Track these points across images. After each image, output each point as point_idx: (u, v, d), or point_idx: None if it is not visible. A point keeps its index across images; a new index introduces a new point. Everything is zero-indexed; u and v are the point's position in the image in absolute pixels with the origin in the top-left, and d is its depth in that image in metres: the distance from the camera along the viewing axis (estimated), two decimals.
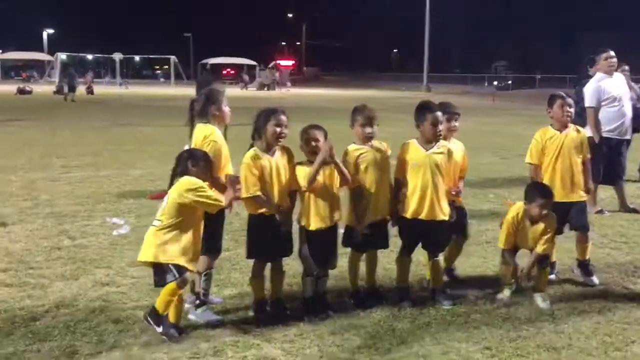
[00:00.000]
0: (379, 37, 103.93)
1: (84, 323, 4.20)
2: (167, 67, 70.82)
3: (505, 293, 4.65)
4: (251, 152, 4.25)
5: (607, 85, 7.63)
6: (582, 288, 4.99)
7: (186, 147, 4.50)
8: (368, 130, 4.49)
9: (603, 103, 7.53)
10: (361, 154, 4.49)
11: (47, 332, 4.05)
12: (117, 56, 58.95)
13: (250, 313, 4.37)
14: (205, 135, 4.30)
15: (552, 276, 5.06)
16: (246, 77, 45.76)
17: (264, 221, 4.23)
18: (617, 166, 7.70)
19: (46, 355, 3.73)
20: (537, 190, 4.69)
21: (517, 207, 4.74)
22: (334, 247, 4.50)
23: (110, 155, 12.38)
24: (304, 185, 4.23)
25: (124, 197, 8.29)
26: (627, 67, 8.55)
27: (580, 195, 5.14)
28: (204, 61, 68.19)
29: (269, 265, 4.43)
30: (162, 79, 62.35)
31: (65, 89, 31.78)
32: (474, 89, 52.20)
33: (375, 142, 4.56)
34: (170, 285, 3.92)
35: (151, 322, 3.95)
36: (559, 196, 4.83)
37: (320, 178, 4.25)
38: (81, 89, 34.85)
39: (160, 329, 3.93)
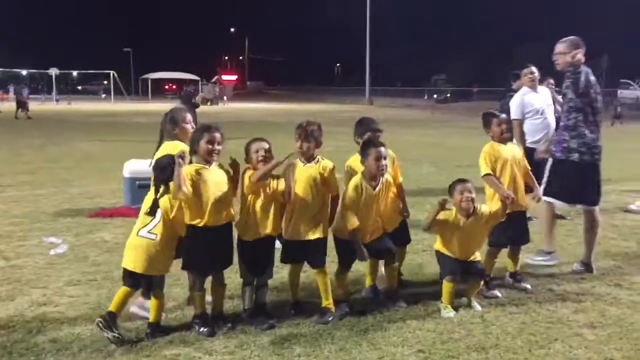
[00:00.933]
0: (322, 51, 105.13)
1: (21, 343, 4.15)
2: (106, 82, 69.41)
3: (449, 310, 4.73)
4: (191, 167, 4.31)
5: (531, 98, 8.04)
6: (511, 292, 5.24)
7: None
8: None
9: (527, 115, 7.91)
10: None
11: None
12: (53, 71, 57.48)
13: (193, 327, 4.40)
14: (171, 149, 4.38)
15: (496, 292, 5.14)
16: (189, 91, 45.21)
17: (200, 232, 4.29)
18: (543, 176, 8.10)
19: None
20: (454, 181, 4.94)
21: (448, 213, 4.89)
22: (269, 257, 4.61)
23: (47, 173, 12.10)
24: (247, 185, 4.34)
25: (61, 216, 8.15)
26: (552, 81, 9.00)
27: (521, 206, 5.35)
28: (145, 76, 67.27)
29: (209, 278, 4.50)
30: (103, 95, 60.91)
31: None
32: (415, 101, 53.39)
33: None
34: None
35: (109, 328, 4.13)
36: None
37: (266, 189, 4.39)
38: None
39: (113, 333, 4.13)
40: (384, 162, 4.65)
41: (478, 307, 4.81)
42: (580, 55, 5.85)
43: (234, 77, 76.81)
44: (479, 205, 4.87)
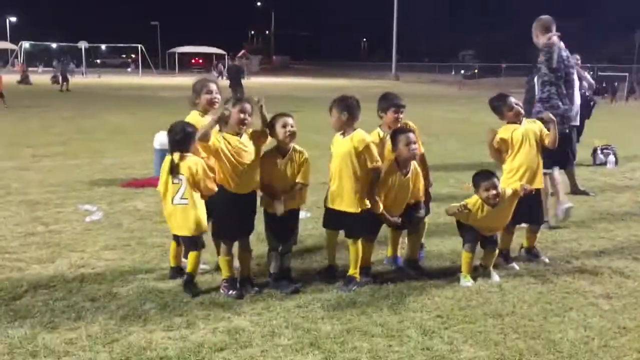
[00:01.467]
0: (348, 26, 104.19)
1: (62, 301, 4.43)
2: (134, 55, 69.91)
3: (469, 279, 4.87)
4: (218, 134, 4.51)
5: None
6: (529, 265, 5.36)
7: None
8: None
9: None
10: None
11: (28, 310, 4.27)
12: (83, 44, 58.12)
13: (221, 291, 4.64)
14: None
15: (514, 265, 5.26)
16: (221, 67, 44.93)
17: (228, 200, 4.53)
18: (568, 151, 8.13)
19: (28, 330, 3.95)
20: (479, 176, 5.02)
21: (475, 200, 4.97)
22: (294, 226, 4.83)
23: (79, 144, 12.45)
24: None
25: (95, 185, 8.46)
26: (578, 57, 8.98)
27: (538, 184, 5.41)
28: (172, 50, 67.61)
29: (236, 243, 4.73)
30: (130, 69, 61.47)
31: (60, 79, 31.60)
32: (442, 77, 52.92)
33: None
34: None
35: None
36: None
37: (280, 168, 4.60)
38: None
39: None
40: (414, 146, 4.80)
41: (496, 278, 4.96)
42: (553, 35, 6.54)
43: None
44: (502, 190, 4.95)
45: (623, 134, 13.86)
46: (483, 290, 4.74)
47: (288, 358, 3.66)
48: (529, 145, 5.31)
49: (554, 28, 6.63)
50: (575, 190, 8.27)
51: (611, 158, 10.61)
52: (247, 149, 4.54)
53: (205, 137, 4.36)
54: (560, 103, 6.48)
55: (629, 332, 4.01)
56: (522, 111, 5.43)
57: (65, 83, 31.13)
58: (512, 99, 5.40)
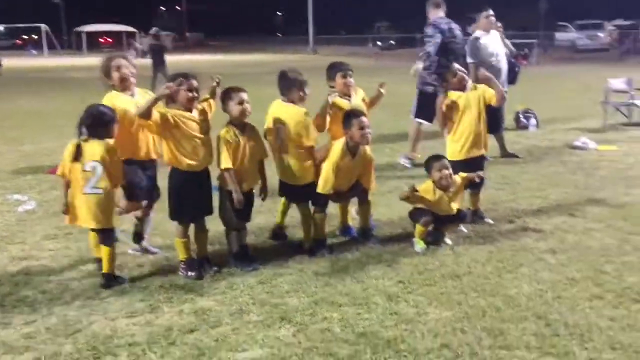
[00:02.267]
0: (261, 0, 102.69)
1: (10, 296, 4.21)
2: (36, 36, 65.98)
3: (422, 245, 4.99)
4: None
5: (485, 41, 8.32)
6: (475, 226, 5.56)
7: None
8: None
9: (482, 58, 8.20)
10: None
11: None
12: None
13: (180, 273, 4.54)
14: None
15: (462, 228, 5.40)
16: (138, 45, 42.02)
17: (185, 180, 4.42)
18: (497, 116, 8.46)
19: None
20: (431, 158, 5.20)
21: (427, 185, 5.11)
22: (251, 203, 4.79)
23: None
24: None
25: (20, 174, 8.01)
26: (500, 25, 9.28)
27: (481, 150, 5.64)
28: (79, 29, 64.34)
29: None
30: (33, 51, 57.82)
31: None
32: (359, 50, 53.23)
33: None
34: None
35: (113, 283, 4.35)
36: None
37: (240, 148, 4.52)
38: None
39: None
40: (367, 130, 4.85)
41: (448, 241, 5.12)
42: (440, 12, 7.92)
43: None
44: (453, 177, 5.10)
45: (540, 97, 14.52)
46: (437, 254, 4.90)
47: (261, 334, 3.65)
48: (470, 111, 5.47)
49: (443, 6, 7.96)
50: (504, 153, 8.62)
51: (532, 121, 11.12)
52: (199, 123, 4.43)
53: (146, 115, 4.22)
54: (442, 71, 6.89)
55: (577, 283, 4.26)
56: (467, 77, 5.57)
57: None
58: (456, 65, 5.54)
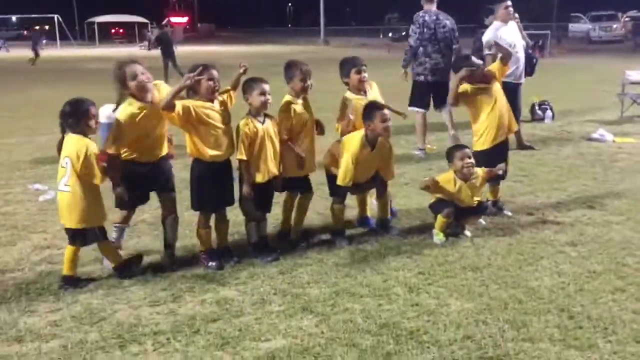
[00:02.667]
0: None
1: (35, 284, 4.26)
2: (47, 27, 66.15)
3: (441, 237, 4.99)
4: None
5: (503, 32, 8.24)
6: (494, 218, 5.54)
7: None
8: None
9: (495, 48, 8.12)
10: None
11: (0, 295, 4.08)
12: None
13: (201, 263, 4.57)
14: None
15: (481, 220, 5.38)
16: (150, 35, 41.46)
17: (207, 171, 4.43)
18: (514, 108, 8.40)
19: (6, 315, 3.78)
20: (453, 148, 5.20)
21: (448, 175, 5.10)
22: (271, 194, 4.81)
23: (9, 122, 11.78)
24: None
25: (39, 163, 8.08)
26: (517, 16, 9.20)
27: (505, 137, 5.63)
28: (91, 19, 64.48)
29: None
30: (44, 41, 57.88)
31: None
32: (370, 41, 53.05)
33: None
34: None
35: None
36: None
37: (268, 133, 4.54)
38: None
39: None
40: (389, 123, 4.84)
41: (468, 233, 5.11)
42: (425, 4, 8.34)
43: (184, 19, 74.53)
44: (475, 169, 5.08)
45: (555, 89, 14.41)
46: (457, 245, 4.90)
47: (284, 324, 3.67)
48: (493, 103, 5.44)
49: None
50: (521, 145, 8.58)
51: (548, 113, 11.04)
52: (220, 114, 4.43)
53: (169, 106, 4.19)
54: (427, 59, 8.26)
55: (599, 276, 4.25)
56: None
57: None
58: (476, 59, 5.50)
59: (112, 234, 4.56)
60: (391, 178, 5.24)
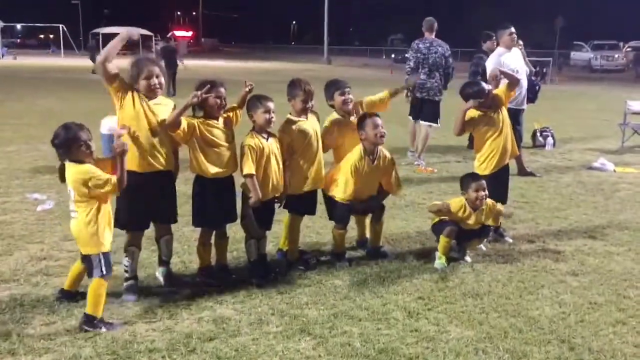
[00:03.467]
0: (277, 8, 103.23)
1: (29, 296, 4.21)
2: (52, 36, 66.54)
3: (443, 261, 4.95)
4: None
5: (507, 59, 8.27)
6: (494, 244, 5.52)
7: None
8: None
9: (501, 75, 8.15)
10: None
11: None
12: None
13: (197, 279, 4.53)
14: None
15: (482, 246, 5.36)
16: (156, 48, 41.22)
17: (209, 187, 4.39)
18: (516, 134, 8.41)
19: (0, 327, 3.72)
20: (469, 177, 5.15)
21: (458, 202, 5.06)
22: (272, 211, 4.78)
23: (12, 129, 11.76)
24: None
25: (39, 173, 8.05)
26: (521, 42, 9.26)
27: (506, 163, 5.63)
28: (96, 30, 64.81)
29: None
30: (52, 50, 57.96)
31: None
32: (373, 61, 53.43)
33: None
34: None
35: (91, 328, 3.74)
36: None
37: (270, 150, 4.52)
38: None
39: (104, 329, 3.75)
40: (381, 130, 4.83)
41: (468, 259, 5.08)
42: (425, 32, 9.54)
43: (189, 34, 74.99)
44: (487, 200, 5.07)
45: (556, 116, 14.46)
46: (457, 271, 4.86)
47: (281, 345, 3.62)
48: (497, 129, 5.44)
49: (433, 28, 9.54)
50: (523, 171, 8.57)
51: (549, 140, 11.07)
52: (224, 132, 4.42)
53: (175, 124, 4.16)
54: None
55: (600, 307, 4.21)
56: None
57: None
58: (485, 85, 5.51)
59: (124, 261, 4.39)
60: (397, 191, 5.21)
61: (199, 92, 4.22)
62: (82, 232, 3.80)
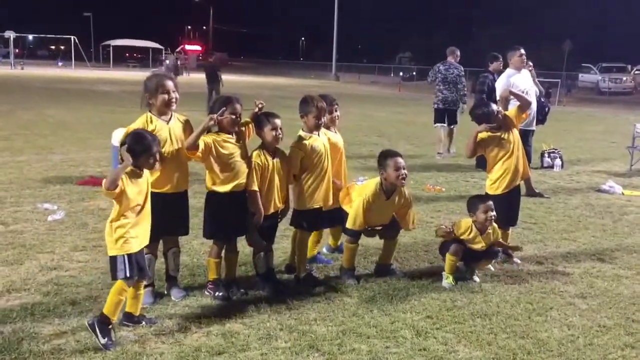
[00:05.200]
0: (287, 24, 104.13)
1: (40, 305, 4.23)
2: (63, 47, 67.18)
3: (450, 280, 4.96)
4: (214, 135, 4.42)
5: (516, 80, 8.35)
6: (503, 265, 5.52)
7: None
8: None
9: (512, 97, 8.21)
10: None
11: (5, 315, 4.06)
12: (10, 34, 55.32)
13: (206, 292, 4.55)
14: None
15: (490, 266, 5.37)
16: (168, 62, 41.25)
17: (225, 201, 4.43)
18: (525, 155, 8.43)
19: (11, 337, 3.75)
20: (477, 198, 5.18)
21: (465, 224, 5.05)
22: (275, 226, 4.83)
23: (23, 140, 11.86)
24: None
25: (50, 183, 8.11)
26: (531, 63, 9.31)
27: (517, 184, 5.68)
28: (107, 42, 65.46)
29: None
30: (60, 63, 58.33)
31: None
32: (381, 78, 53.66)
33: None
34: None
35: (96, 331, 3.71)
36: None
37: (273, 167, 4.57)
38: None
39: (103, 340, 3.69)
40: (403, 172, 4.81)
41: (476, 279, 5.08)
42: (448, 56, 12.04)
43: (199, 48, 75.58)
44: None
45: (564, 138, 14.49)
46: (465, 290, 4.86)
47: None
48: (508, 150, 5.47)
49: (454, 53, 12.07)
50: (531, 192, 8.57)
51: (557, 162, 11.07)
52: (239, 146, 4.48)
53: (194, 147, 4.24)
54: (440, 94, 11.93)
55: (609, 330, 4.20)
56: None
57: None
58: (494, 106, 5.54)
59: None
60: (407, 228, 5.18)
61: (215, 115, 4.28)
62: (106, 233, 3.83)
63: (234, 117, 4.36)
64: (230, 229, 4.54)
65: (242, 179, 4.45)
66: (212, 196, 4.46)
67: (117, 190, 3.67)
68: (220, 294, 4.50)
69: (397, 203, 4.98)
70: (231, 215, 4.47)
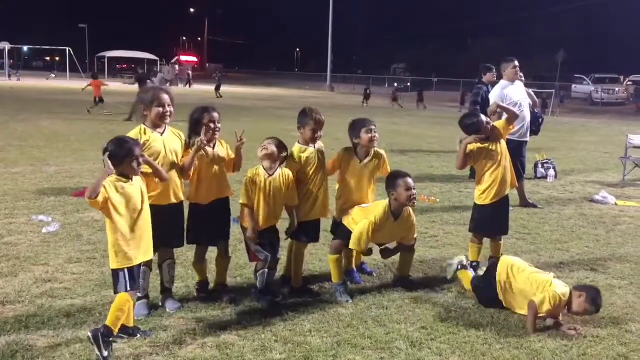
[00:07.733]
0: (282, 35, 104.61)
1: (34, 317, 4.23)
2: (57, 58, 67.25)
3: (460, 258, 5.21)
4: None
5: (510, 91, 8.40)
6: None
7: None
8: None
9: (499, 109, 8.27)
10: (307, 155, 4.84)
11: (0, 327, 4.05)
12: (4, 45, 55.36)
13: (194, 292, 4.62)
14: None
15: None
16: (162, 74, 41.05)
17: (200, 208, 4.60)
18: (518, 165, 8.49)
19: (5, 349, 3.74)
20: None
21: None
22: (277, 237, 4.83)
23: (17, 151, 11.86)
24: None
25: (44, 194, 8.10)
26: (521, 74, 9.37)
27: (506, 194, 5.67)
28: (102, 53, 65.58)
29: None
30: (53, 74, 58.25)
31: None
32: (375, 89, 53.83)
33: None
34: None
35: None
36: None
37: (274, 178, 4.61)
38: None
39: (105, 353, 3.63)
40: (413, 191, 4.81)
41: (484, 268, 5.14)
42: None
43: (194, 59, 75.81)
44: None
45: (557, 148, 14.59)
46: (459, 301, 4.88)
47: None
48: (496, 160, 5.50)
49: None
50: (524, 202, 8.62)
51: (551, 172, 11.13)
52: (216, 156, 4.58)
53: (191, 169, 4.42)
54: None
55: (602, 340, 4.23)
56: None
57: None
58: (483, 117, 5.57)
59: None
60: (408, 244, 5.16)
61: (203, 138, 4.40)
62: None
63: (212, 124, 4.48)
64: (208, 234, 4.70)
65: (219, 189, 4.63)
66: (192, 204, 4.69)
67: (100, 198, 3.66)
68: (203, 294, 4.71)
69: (404, 225, 4.96)
70: (209, 222, 4.64)
